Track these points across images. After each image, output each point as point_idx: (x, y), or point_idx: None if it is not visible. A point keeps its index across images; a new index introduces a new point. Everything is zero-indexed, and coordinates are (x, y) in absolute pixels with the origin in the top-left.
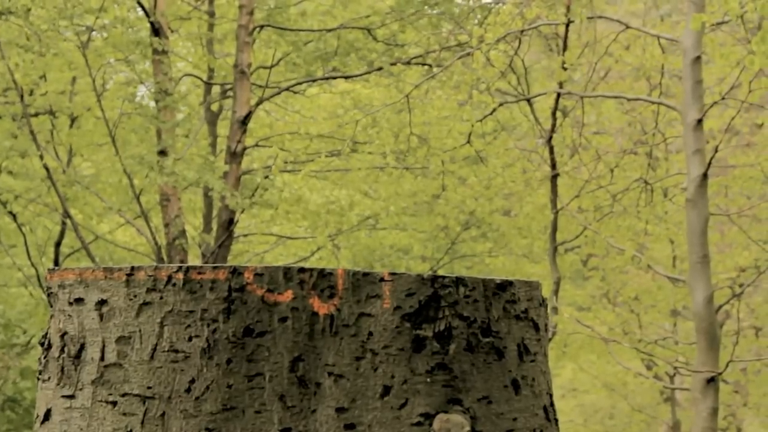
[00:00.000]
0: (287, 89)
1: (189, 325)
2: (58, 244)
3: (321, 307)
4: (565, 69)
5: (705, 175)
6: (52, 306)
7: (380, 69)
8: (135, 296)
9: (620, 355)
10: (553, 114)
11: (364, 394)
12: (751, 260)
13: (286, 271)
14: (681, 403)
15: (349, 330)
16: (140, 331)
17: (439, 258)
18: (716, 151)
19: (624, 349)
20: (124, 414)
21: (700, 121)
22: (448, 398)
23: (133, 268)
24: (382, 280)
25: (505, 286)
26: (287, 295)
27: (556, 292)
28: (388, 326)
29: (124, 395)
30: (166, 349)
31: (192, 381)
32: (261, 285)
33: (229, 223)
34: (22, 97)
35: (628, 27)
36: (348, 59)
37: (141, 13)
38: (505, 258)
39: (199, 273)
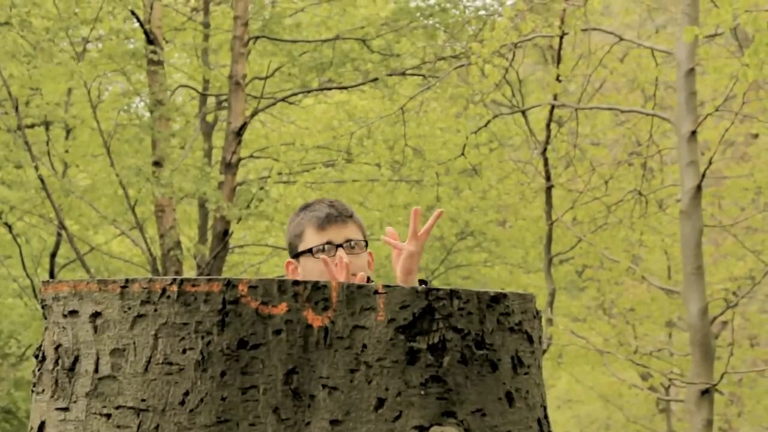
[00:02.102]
0: (282, 100)
1: (183, 338)
2: (53, 255)
3: (315, 319)
4: (559, 81)
5: (699, 187)
6: (46, 318)
7: (376, 80)
8: (129, 308)
9: (615, 366)
10: (548, 126)
11: (358, 407)
12: (746, 270)
13: (281, 283)
14: (676, 414)
15: (343, 342)
16: (134, 343)
17: (434, 268)
18: (710, 162)
19: (619, 360)
20: (118, 426)
21: (694, 133)
22: (442, 411)
23: (127, 280)
24: (376, 292)
25: (499, 298)
26: (281, 308)
27: (551, 303)
28: (382, 339)
29: (118, 408)
30: (161, 361)
31: (186, 393)
32: (255, 297)
33: (224, 234)
34: (16, 108)
35: (622, 39)
36: (343, 70)
37: (136, 24)
38: (500, 268)
39: (194, 285)
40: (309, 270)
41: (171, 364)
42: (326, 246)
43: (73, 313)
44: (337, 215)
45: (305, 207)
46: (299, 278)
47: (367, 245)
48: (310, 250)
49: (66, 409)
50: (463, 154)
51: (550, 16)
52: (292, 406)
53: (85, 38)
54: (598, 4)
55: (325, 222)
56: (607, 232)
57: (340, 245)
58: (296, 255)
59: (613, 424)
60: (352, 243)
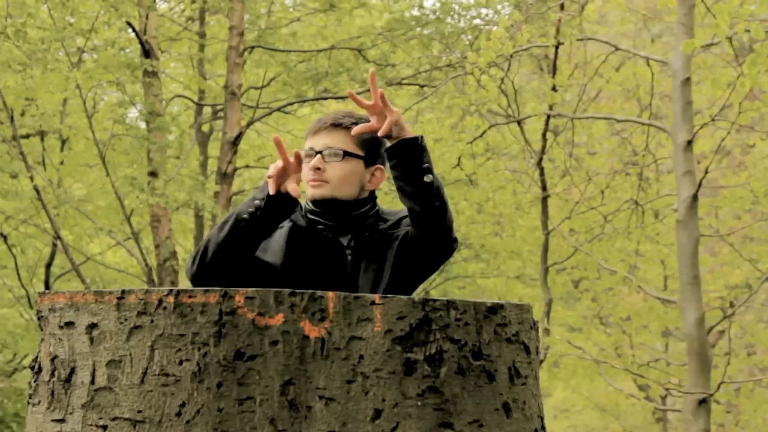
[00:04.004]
0: (278, 110)
1: (180, 349)
2: (48, 266)
3: (312, 330)
4: (555, 91)
5: (695, 197)
6: (42, 329)
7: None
8: (125, 320)
9: (612, 376)
10: (544, 136)
11: (354, 418)
12: (742, 279)
13: (277, 294)
14: (673, 424)
15: (340, 353)
16: (131, 354)
17: (431, 279)
18: (707, 172)
19: (616, 369)
20: None
21: (690, 143)
22: (440, 422)
23: (123, 291)
24: (373, 303)
25: (496, 309)
26: (278, 319)
27: (547, 313)
28: (379, 349)
29: (114, 419)
30: (157, 372)
31: (182, 405)
32: (252, 308)
33: None
34: (12, 118)
35: (617, 48)
36: (339, 80)
37: (132, 34)
38: (496, 279)
39: (190, 296)
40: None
41: (167, 375)
42: (308, 151)
43: (70, 324)
44: (326, 123)
45: None
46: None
47: (358, 157)
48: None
49: (62, 421)
50: (459, 164)
51: (545, 26)
52: (288, 418)
53: (80, 48)
54: (594, 14)
55: (313, 128)
56: (603, 241)
57: (320, 152)
58: None
59: None
60: (331, 151)
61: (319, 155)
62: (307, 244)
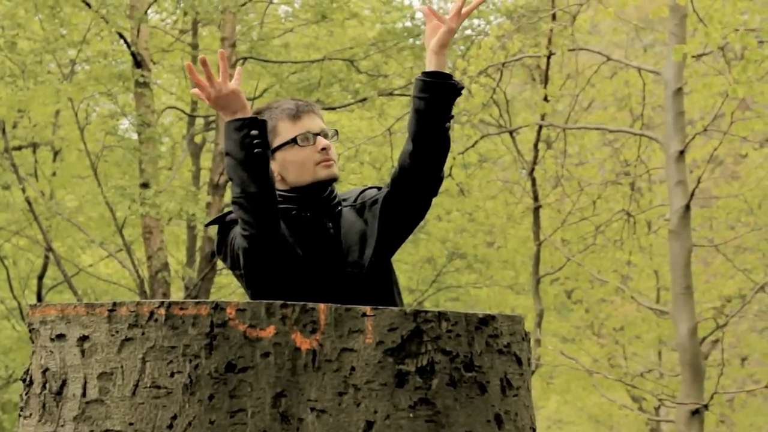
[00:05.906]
0: None
1: (171, 361)
2: (40, 277)
3: (303, 342)
4: (547, 101)
5: (688, 207)
6: (33, 341)
7: (364, 100)
8: (117, 332)
9: (605, 386)
10: (535, 146)
11: (346, 430)
12: (735, 290)
13: (269, 306)
14: None
15: (331, 365)
16: (122, 367)
17: (424, 290)
18: (699, 182)
19: (609, 380)
20: None
21: (682, 153)
22: None
23: (115, 303)
24: (364, 315)
25: (487, 320)
26: (269, 331)
27: (539, 323)
28: (370, 361)
29: (106, 431)
30: (148, 385)
31: (174, 417)
32: (243, 320)
33: (212, 256)
34: (3, 130)
35: (609, 58)
36: (331, 90)
37: (123, 45)
38: (489, 289)
39: (181, 308)
40: (292, 161)
41: (159, 387)
42: (307, 135)
43: (61, 336)
44: (306, 105)
45: (266, 109)
46: (276, 177)
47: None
48: (294, 141)
49: None
50: (450, 174)
51: (537, 36)
52: (280, 430)
53: (72, 60)
54: (586, 24)
55: (298, 112)
56: (595, 252)
57: (318, 134)
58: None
59: None
60: (328, 132)
61: (320, 137)
62: (305, 231)
